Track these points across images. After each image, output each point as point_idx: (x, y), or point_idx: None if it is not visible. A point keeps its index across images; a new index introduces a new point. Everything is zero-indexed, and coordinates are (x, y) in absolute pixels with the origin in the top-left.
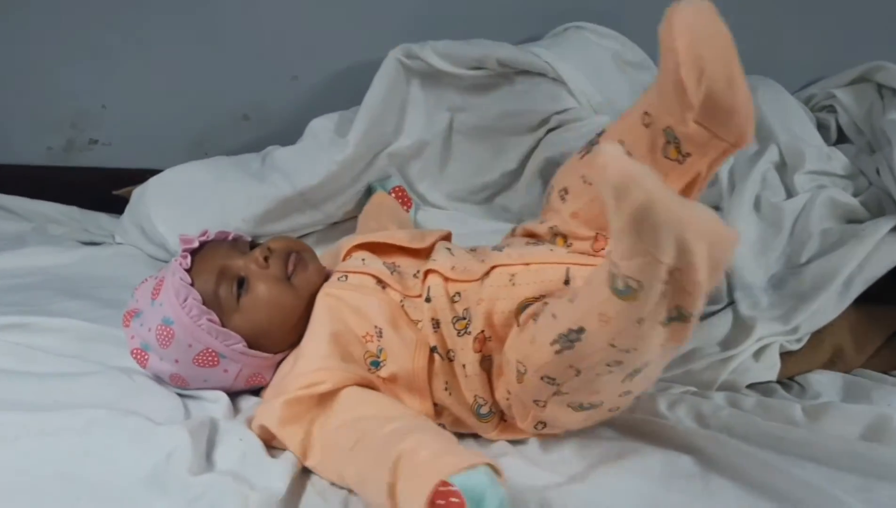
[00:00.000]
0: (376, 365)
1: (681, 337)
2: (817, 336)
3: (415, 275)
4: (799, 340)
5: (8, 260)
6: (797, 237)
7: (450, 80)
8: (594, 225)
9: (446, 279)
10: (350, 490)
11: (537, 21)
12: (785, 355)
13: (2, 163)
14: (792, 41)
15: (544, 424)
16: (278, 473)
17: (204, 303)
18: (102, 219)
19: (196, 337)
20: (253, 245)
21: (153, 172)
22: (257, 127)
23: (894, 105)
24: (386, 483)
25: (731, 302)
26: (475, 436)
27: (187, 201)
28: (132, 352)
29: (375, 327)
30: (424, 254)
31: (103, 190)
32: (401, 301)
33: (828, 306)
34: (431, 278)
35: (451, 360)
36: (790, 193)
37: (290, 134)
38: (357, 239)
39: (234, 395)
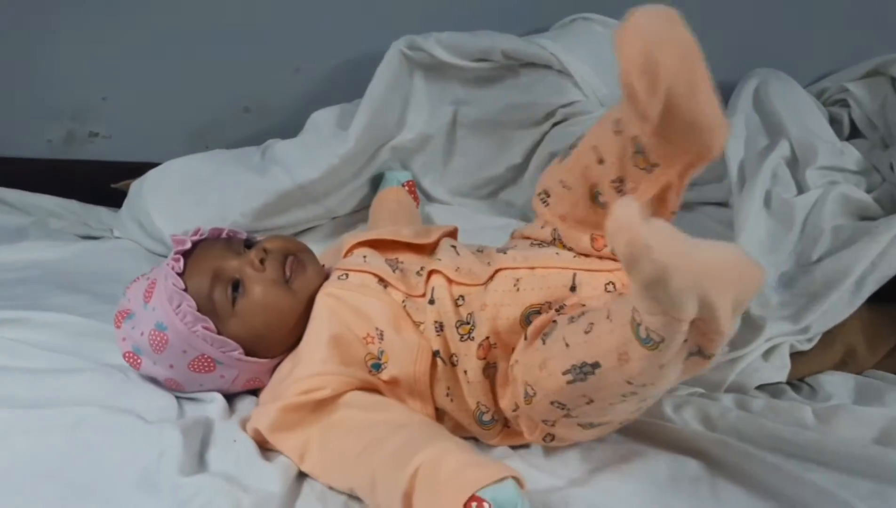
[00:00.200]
0: (377, 367)
1: (698, 369)
2: (829, 336)
3: (418, 273)
4: (810, 340)
5: (6, 254)
6: (808, 234)
7: (454, 72)
8: (586, 226)
9: (450, 281)
10: (349, 495)
11: (543, 12)
12: (795, 355)
13: (1, 156)
14: (804, 33)
15: (553, 437)
16: (274, 476)
17: (198, 309)
18: (102, 212)
19: (191, 344)
20: (248, 243)
21: (154, 165)
22: (259, 119)
23: None
24: (401, 493)
25: None
26: (475, 439)
27: (185, 195)
28: (124, 355)
29: (377, 328)
30: (428, 249)
31: (104, 183)
32: (403, 301)
33: (839, 305)
34: (435, 278)
35: (453, 365)
36: (801, 189)
37: (291, 126)
38: (360, 235)
39: (230, 395)
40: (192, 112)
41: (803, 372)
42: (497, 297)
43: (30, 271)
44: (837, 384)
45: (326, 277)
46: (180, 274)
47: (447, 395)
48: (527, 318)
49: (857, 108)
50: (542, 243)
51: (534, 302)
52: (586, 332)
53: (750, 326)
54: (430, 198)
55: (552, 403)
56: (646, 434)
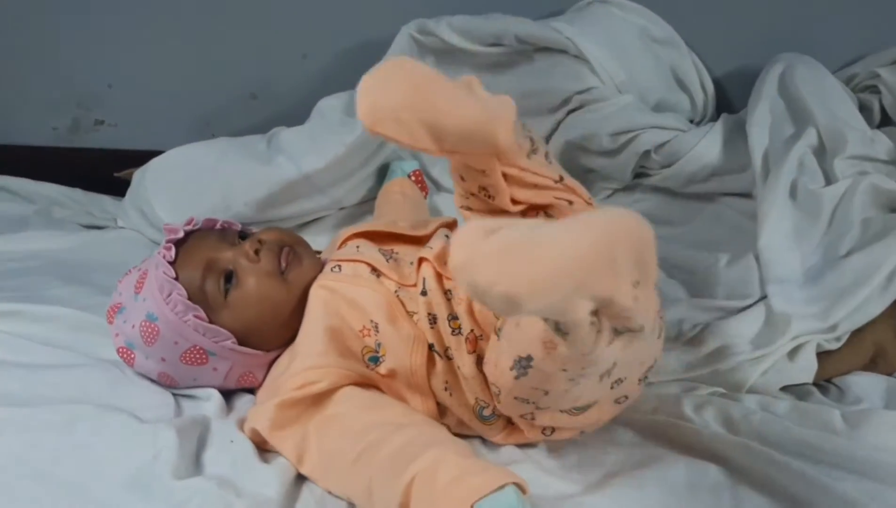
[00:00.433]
0: (375, 360)
1: (643, 341)
2: (858, 334)
3: (411, 263)
4: (838, 339)
5: (8, 244)
6: (836, 227)
7: (465, 57)
8: (502, 211)
9: (439, 274)
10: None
11: None
12: (822, 355)
13: (7, 143)
14: (832, 16)
15: (552, 430)
16: (271, 479)
17: (189, 299)
18: (106, 201)
19: (182, 335)
20: (243, 234)
21: (159, 154)
22: (266, 106)
23: None
24: (397, 504)
25: (763, 297)
26: (482, 438)
27: (188, 184)
28: (118, 351)
29: (371, 321)
30: (424, 241)
31: (109, 171)
32: (396, 291)
33: (869, 302)
34: (425, 268)
35: (449, 359)
36: (829, 179)
37: (299, 114)
38: (355, 227)
39: (228, 393)
40: (199, 99)
41: (830, 372)
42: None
43: (30, 261)
44: (867, 386)
45: (322, 269)
46: (172, 264)
47: (446, 390)
48: None
49: (888, 95)
50: None
51: None
52: (517, 325)
53: (774, 324)
54: (439, 188)
55: (516, 398)
56: (663, 435)
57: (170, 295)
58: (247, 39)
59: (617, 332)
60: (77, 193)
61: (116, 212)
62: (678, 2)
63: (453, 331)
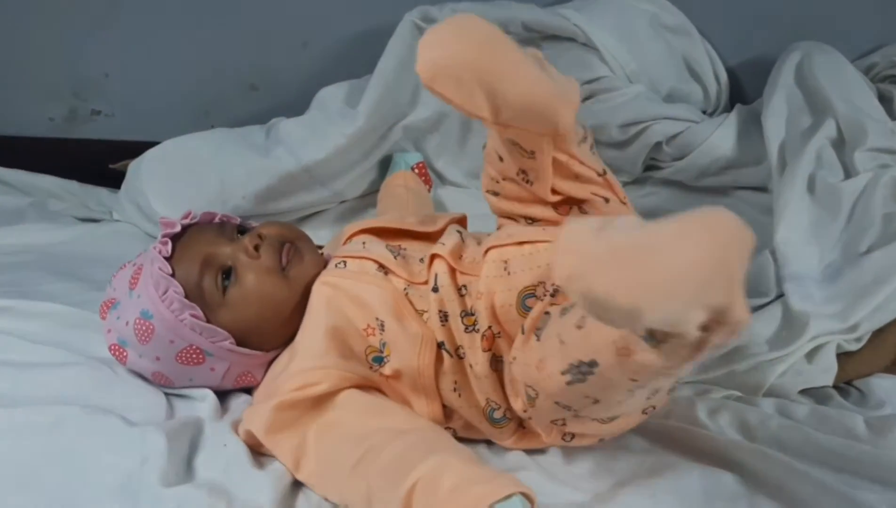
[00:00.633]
0: (379, 361)
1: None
2: (879, 335)
3: (421, 260)
4: (858, 339)
5: (1, 237)
6: (856, 222)
7: None
8: (539, 203)
9: (453, 269)
10: None
11: None
12: (842, 356)
13: (2, 134)
14: (851, 3)
15: (573, 436)
16: (265, 485)
17: (186, 296)
18: (103, 194)
19: (178, 334)
20: (242, 229)
21: (157, 145)
22: (266, 97)
23: None
24: None
25: (780, 295)
26: (488, 443)
27: (184, 176)
28: (110, 348)
29: (377, 319)
30: (434, 237)
31: (106, 163)
32: (405, 288)
33: (891, 301)
34: (437, 264)
35: (460, 358)
36: (849, 173)
37: (300, 104)
38: (361, 223)
39: (223, 392)
40: (197, 89)
41: (851, 374)
42: (489, 284)
43: (24, 255)
44: (890, 389)
45: (325, 265)
46: (168, 259)
47: (454, 390)
48: (523, 303)
49: None
50: (527, 220)
51: (527, 284)
52: (579, 327)
53: (792, 323)
54: (444, 181)
55: (557, 404)
56: (677, 441)
57: (165, 292)
58: (246, 28)
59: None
60: (73, 185)
61: (112, 204)
62: None
63: (466, 328)
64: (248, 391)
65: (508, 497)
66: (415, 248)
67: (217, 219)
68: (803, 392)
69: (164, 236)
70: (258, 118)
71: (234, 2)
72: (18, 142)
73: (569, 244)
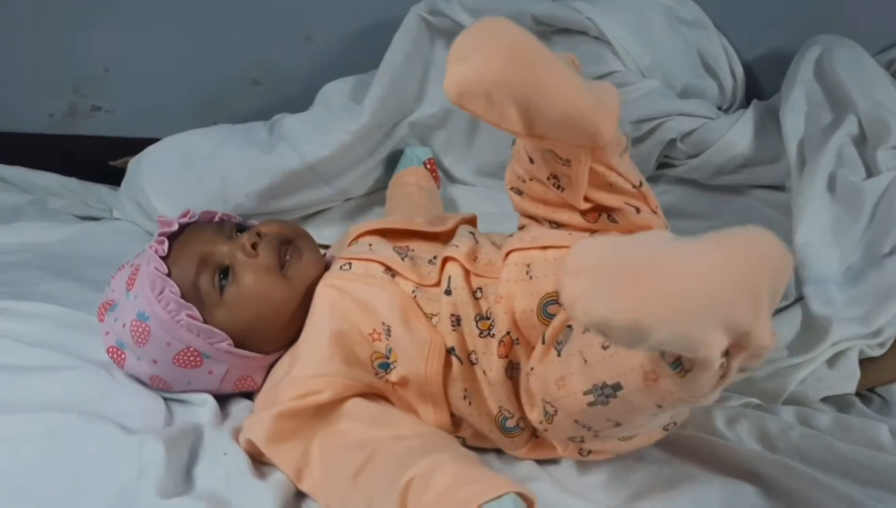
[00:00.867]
0: (385, 367)
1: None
2: None
3: (430, 261)
4: (882, 345)
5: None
6: (879, 222)
7: None
8: (566, 207)
9: (467, 272)
10: None
11: None
12: (865, 362)
13: (1, 130)
14: None
15: (590, 451)
16: (267, 497)
17: (183, 296)
18: (102, 191)
19: (175, 335)
20: (241, 227)
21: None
22: (269, 92)
23: None
24: None
25: (800, 298)
26: (498, 452)
27: (185, 174)
28: (108, 351)
29: (383, 323)
30: (444, 238)
31: (107, 159)
32: (413, 291)
33: None
34: (450, 267)
35: (472, 364)
36: (871, 171)
37: (303, 99)
38: (367, 224)
39: (224, 397)
40: (199, 85)
41: (874, 381)
42: (509, 288)
43: (21, 254)
44: None
45: (327, 267)
46: (164, 258)
47: (464, 398)
48: (544, 309)
49: None
50: (552, 224)
51: (549, 290)
52: (604, 347)
53: (812, 328)
54: (451, 179)
55: (576, 422)
56: (694, 451)
57: (161, 292)
58: (248, 21)
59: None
60: (73, 183)
61: (112, 202)
62: None
63: (481, 333)
64: (249, 396)
65: (499, 497)
66: (423, 249)
67: (217, 218)
68: (824, 399)
69: (160, 235)
70: (261, 114)
71: None
72: (17, 139)
73: (573, 265)
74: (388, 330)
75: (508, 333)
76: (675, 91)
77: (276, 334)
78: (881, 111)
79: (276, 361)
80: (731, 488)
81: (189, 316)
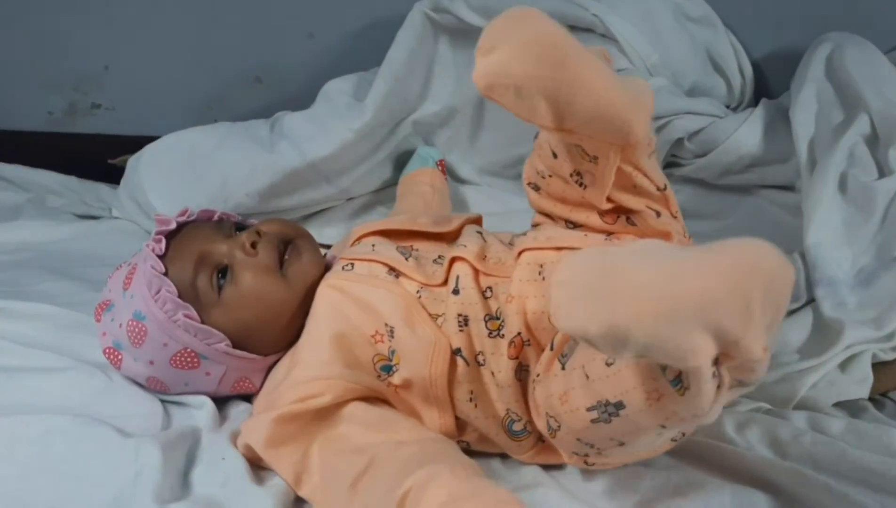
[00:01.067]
0: (388, 370)
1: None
2: None
3: (435, 261)
4: (895, 348)
5: None
6: (891, 223)
7: None
8: (585, 206)
9: (476, 271)
10: None
11: None
12: (878, 366)
13: (1, 128)
14: None
15: (594, 462)
16: (264, 502)
17: (180, 296)
18: (102, 190)
19: (172, 335)
20: (241, 227)
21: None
22: (271, 90)
23: None
24: None
25: (811, 300)
26: (503, 456)
27: (184, 172)
28: (105, 352)
29: (386, 324)
30: (448, 238)
31: (107, 158)
32: (418, 292)
33: None
34: (458, 266)
35: (479, 365)
36: (883, 171)
37: (306, 97)
38: (370, 224)
39: (222, 399)
40: (200, 82)
41: (888, 385)
42: (521, 288)
43: (19, 253)
44: None
45: (328, 267)
46: (161, 257)
47: (470, 400)
48: None
49: None
50: (568, 223)
51: None
52: (608, 364)
53: (824, 331)
54: (454, 178)
55: (579, 440)
56: (704, 458)
57: (158, 291)
58: (250, 18)
59: (730, 387)
60: (72, 181)
61: (112, 201)
62: None
63: (490, 333)
64: (248, 398)
65: None
66: (427, 249)
67: (216, 217)
68: (837, 404)
69: (157, 233)
70: (263, 112)
71: None
72: (17, 137)
73: (560, 276)
74: (392, 332)
75: (519, 334)
76: (682, 89)
77: (275, 335)
78: (893, 110)
79: (275, 363)
80: (741, 496)
81: (186, 316)
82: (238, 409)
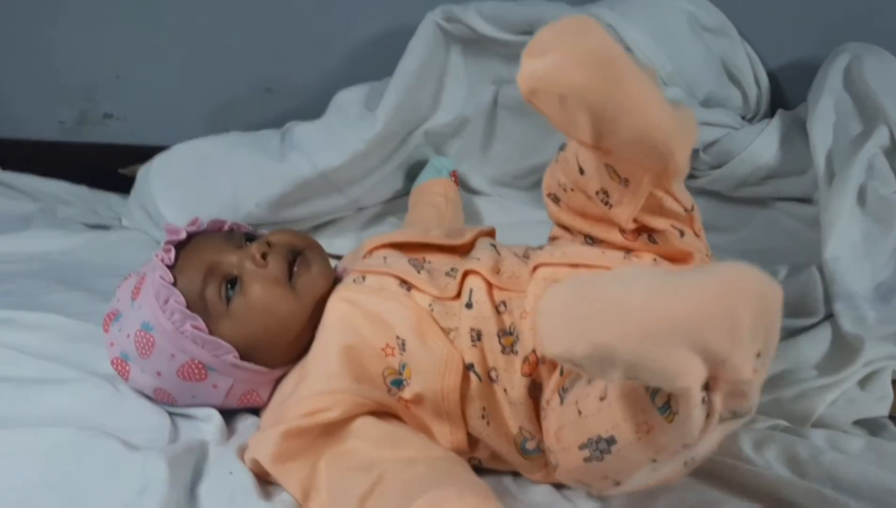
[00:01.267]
0: (398, 384)
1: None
2: None
3: (448, 274)
4: None
5: (7, 244)
6: None
7: (495, 47)
8: (605, 222)
9: (490, 285)
10: None
11: None
12: None
13: (12, 138)
14: None
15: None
16: None
17: (188, 306)
18: (112, 199)
19: (179, 346)
20: (251, 237)
21: None
22: (282, 100)
23: None
24: None
25: (829, 315)
26: (514, 474)
27: (194, 182)
28: (112, 362)
29: (397, 338)
30: (461, 250)
31: (118, 167)
32: (430, 304)
33: None
34: (472, 280)
35: (492, 381)
36: None
37: (317, 108)
38: (382, 237)
39: (230, 413)
40: (211, 92)
41: None
42: (535, 304)
43: (29, 263)
44: None
45: (339, 279)
46: (170, 267)
47: (482, 417)
48: None
49: None
50: (586, 238)
51: None
52: (601, 399)
53: (843, 347)
54: (466, 188)
55: (576, 481)
56: (720, 476)
57: (166, 302)
58: (261, 29)
59: (722, 419)
60: (83, 191)
61: (122, 210)
62: None
63: (504, 349)
64: (256, 412)
65: None
66: (440, 261)
67: (226, 228)
68: (856, 422)
69: (167, 243)
70: (274, 122)
71: (250, 2)
72: (28, 146)
73: (544, 306)
74: (403, 345)
75: (534, 351)
76: (697, 100)
77: (283, 348)
78: None
79: (283, 376)
80: None
81: (194, 326)
82: (246, 423)
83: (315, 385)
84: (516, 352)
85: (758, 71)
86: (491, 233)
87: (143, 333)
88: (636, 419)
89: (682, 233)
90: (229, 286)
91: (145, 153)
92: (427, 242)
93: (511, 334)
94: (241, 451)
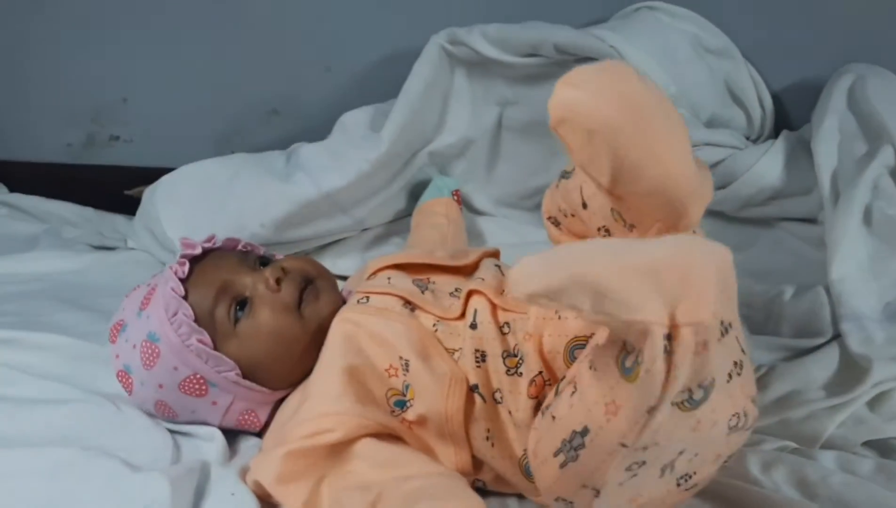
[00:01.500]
0: (401, 405)
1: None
2: None
3: (452, 294)
4: None
5: (12, 265)
6: None
7: (500, 69)
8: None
9: (494, 306)
10: None
11: (603, 1)
12: None
13: (20, 160)
14: None
15: None
16: None
17: (196, 321)
18: (118, 221)
19: (183, 360)
20: (264, 260)
21: None
22: (288, 122)
23: None
24: None
25: (837, 336)
26: (519, 496)
27: (200, 203)
28: (117, 375)
29: (401, 358)
30: (465, 271)
31: (124, 189)
32: (434, 325)
33: None
34: (476, 300)
35: (497, 403)
36: None
37: (323, 129)
38: (386, 258)
39: (232, 433)
40: (218, 114)
41: None
42: (538, 325)
43: (34, 284)
44: None
45: (344, 301)
46: (183, 281)
47: (487, 439)
48: (571, 354)
49: None
50: None
51: (577, 333)
52: (572, 394)
53: (851, 367)
54: (470, 209)
55: (557, 500)
56: (728, 499)
57: (175, 314)
58: (268, 51)
59: (682, 405)
60: (89, 212)
61: (127, 232)
62: (733, 8)
63: (508, 371)
64: (259, 434)
65: None
66: (444, 282)
67: (240, 247)
68: (866, 444)
69: (182, 257)
70: (280, 144)
71: (256, 24)
72: (35, 168)
73: (519, 263)
74: (406, 365)
75: (541, 373)
76: (701, 121)
77: (285, 371)
78: None
79: (283, 399)
80: None
81: (200, 341)
82: (248, 443)
83: (317, 406)
84: (521, 374)
85: (762, 92)
86: (495, 254)
87: (149, 344)
88: (605, 398)
89: None
90: (238, 307)
91: (153, 175)
92: (431, 263)
93: (515, 355)
94: (243, 472)
